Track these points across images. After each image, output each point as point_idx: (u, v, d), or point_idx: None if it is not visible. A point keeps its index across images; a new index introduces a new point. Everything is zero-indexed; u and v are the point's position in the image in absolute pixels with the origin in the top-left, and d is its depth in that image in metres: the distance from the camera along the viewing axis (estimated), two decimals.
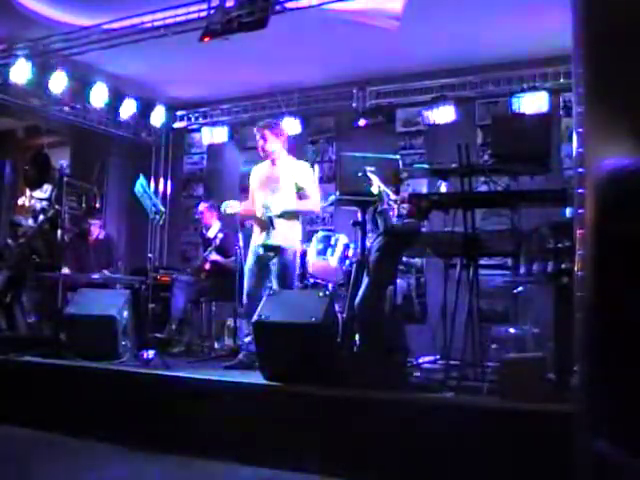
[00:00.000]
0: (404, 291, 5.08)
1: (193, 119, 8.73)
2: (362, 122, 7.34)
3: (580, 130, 2.90)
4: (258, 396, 4.09)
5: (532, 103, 6.54)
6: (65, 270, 6.19)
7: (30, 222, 6.64)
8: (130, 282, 6.71)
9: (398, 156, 5.31)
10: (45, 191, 6.64)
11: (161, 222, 5.99)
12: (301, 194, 5.10)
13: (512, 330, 5.14)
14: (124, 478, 3.76)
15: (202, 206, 7.03)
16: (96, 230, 7.22)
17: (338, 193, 5.01)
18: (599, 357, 2.63)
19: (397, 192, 4.76)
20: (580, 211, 2.84)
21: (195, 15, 5.61)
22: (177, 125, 8.86)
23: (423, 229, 4.62)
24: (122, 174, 8.67)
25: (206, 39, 5.42)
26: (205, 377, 4.39)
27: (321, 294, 4.43)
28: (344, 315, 4.57)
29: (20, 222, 6.78)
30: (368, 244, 4.57)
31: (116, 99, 7.90)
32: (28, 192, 6.92)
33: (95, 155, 8.57)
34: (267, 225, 5.03)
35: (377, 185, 4.50)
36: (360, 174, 4.59)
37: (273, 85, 7.68)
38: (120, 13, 5.92)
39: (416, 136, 7.39)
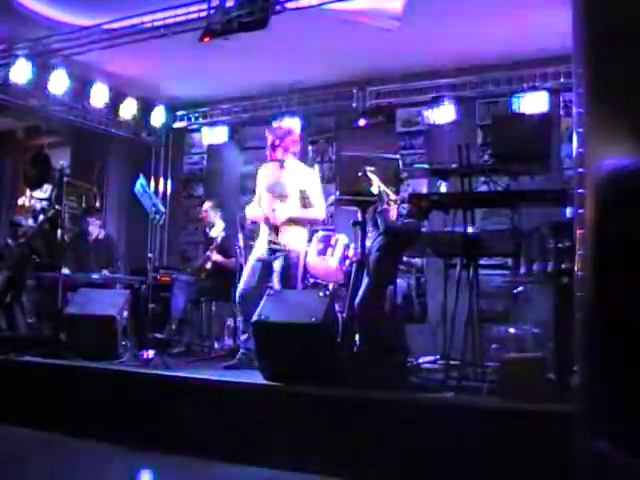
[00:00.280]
0: (404, 291, 5.07)
1: (193, 119, 8.72)
2: (362, 122, 7.33)
3: (580, 130, 2.90)
4: (258, 396, 4.09)
5: (532, 103, 6.53)
6: (65, 270, 6.19)
7: (30, 222, 6.64)
8: (130, 282, 6.70)
9: (398, 156, 5.30)
10: (45, 191, 6.65)
11: (161, 222, 6.00)
12: (306, 202, 5.12)
13: (512, 330, 5.14)
14: (124, 478, 3.76)
15: (206, 205, 7.02)
16: (96, 230, 7.22)
17: (338, 193, 5.02)
18: (599, 357, 2.63)
19: (397, 192, 4.76)
20: (580, 211, 2.85)
21: (195, 15, 5.60)
22: (177, 125, 8.84)
23: (423, 229, 4.62)
24: (122, 174, 8.66)
25: (206, 39, 5.42)
26: (205, 377, 4.40)
27: (321, 294, 4.44)
28: (344, 315, 4.57)
29: (20, 222, 6.78)
30: (368, 244, 4.57)
31: (116, 99, 7.90)
32: (28, 192, 6.93)
33: (95, 155, 8.56)
34: (272, 229, 5.08)
35: (377, 185, 4.50)
36: (360, 174, 4.59)
37: (273, 85, 7.68)
38: (120, 13, 5.91)
39: (416, 136, 7.39)
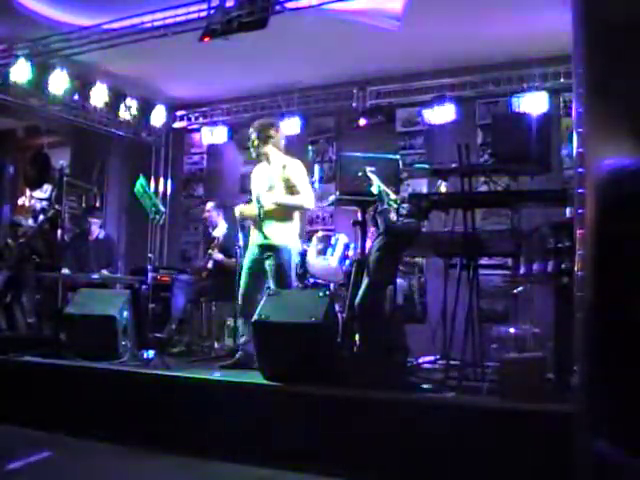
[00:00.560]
0: (405, 291, 5.07)
1: (193, 119, 8.73)
2: (362, 122, 7.33)
3: (580, 130, 2.90)
4: (258, 396, 4.09)
5: (532, 103, 6.54)
6: (65, 270, 6.19)
7: (30, 222, 6.65)
8: (130, 282, 6.70)
9: (398, 156, 5.29)
10: (45, 191, 6.65)
11: (161, 222, 6.00)
12: (292, 190, 5.09)
13: (512, 330, 5.13)
14: (124, 478, 3.76)
15: (209, 205, 7.01)
16: (96, 230, 7.22)
17: (338, 193, 5.00)
18: (599, 357, 2.63)
19: (397, 192, 4.76)
20: (580, 211, 2.85)
21: (195, 15, 5.60)
22: (177, 125, 8.85)
23: (423, 229, 4.62)
24: (122, 174, 8.66)
25: (206, 39, 5.42)
26: (205, 377, 4.39)
27: (321, 294, 4.43)
28: (344, 315, 4.57)
29: (20, 222, 6.79)
30: (368, 244, 4.57)
31: (116, 99, 7.90)
32: (28, 192, 6.93)
33: (95, 155, 8.56)
34: (258, 219, 5.05)
35: (377, 185, 4.50)
36: (360, 174, 4.58)
37: (273, 85, 7.68)
38: (120, 13, 5.91)
39: (416, 136, 7.39)
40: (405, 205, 4.45)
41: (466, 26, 5.95)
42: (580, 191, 2.85)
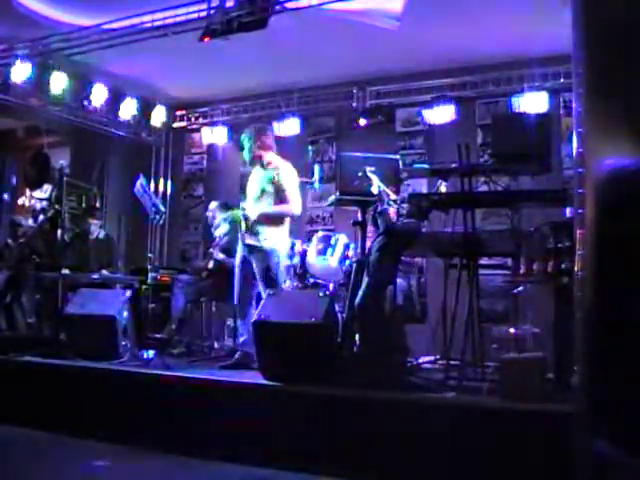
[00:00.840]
0: (404, 291, 5.07)
1: (193, 119, 8.73)
2: (362, 122, 7.33)
3: (580, 130, 2.90)
4: (258, 396, 4.09)
5: (532, 103, 6.54)
6: (65, 270, 6.18)
7: (30, 222, 6.64)
8: (130, 282, 6.70)
9: (398, 156, 5.29)
10: (45, 191, 6.63)
11: (161, 222, 5.99)
12: (281, 196, 5.12)
13: (512, 330, 5.13)
14: (124, 478, 3.76)
15: (212, 205, 7.01)
16: (96, 230, 7.22)
17: (338, 193, 5.01)
18: (599, 357, 2.63)
19: (397, 192, 4.76)
20: (580, 211, 2.84)
21: (195, 15, 5.60)
22: (177, 125, 8.85)
23: (423, 229, 4.62)
24: (122, 174, 8.66)
25: (206, 39, 5.42)
26: (205, 377, 4.39)
27: (321, 294, 4.44)
28: (344, 315, 4.57)
29: (20, 222, 6.78)
30: (368, 244, 4.57)
31: (116, 99, 7.90)
32: (28, 192, 6.92)
33: (95, 155, 8.56)
34: (246, 226, 5.14)
35: (377, 185, 4.50)
36: (360, 174, 4.58)
37: (273, 85, 7.68)
38: (120, 13, 5.92)
39: (416, 136, 7.39)
40: (405, 205, 4.45)
41: (466, 26, 5.95)
42: (580, 191, 2.85)
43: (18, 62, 6.62)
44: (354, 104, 7.53)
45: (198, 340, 6.69)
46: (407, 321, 4.96)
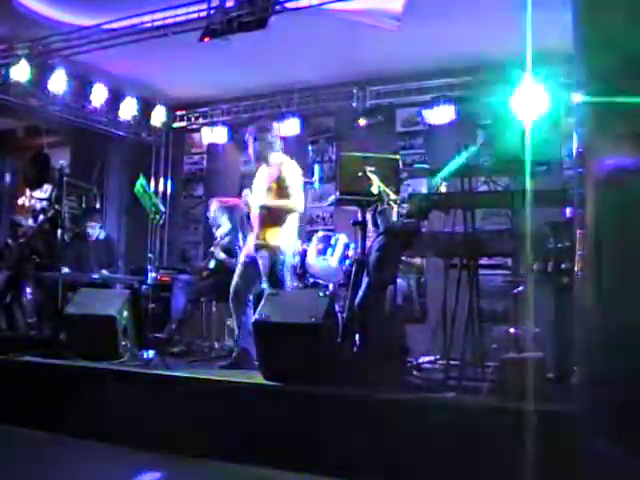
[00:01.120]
0: (404, 291, 5.07)
1: (193, 119, 8.73)
2: (362, 122, 7.33)
3: (580, 130, 2.90)
4: (258, 396, 4.09)
5: (532, 103, 6.53)
6: (65, 270, 6.18)
7: (30, 222, 6.64)
8: (130, 282, 6.70)
9: (398, 156, 5.29)
10: (45, 191, 6.63)
11: (161, 222, 5.99)
12: (283, 192, 5.12)
13: (512, 330, 5.13)
14: (124, 478, 3.76)
15: (214, 205, 7.00)
16: (96, 230, 7.21)
17: (338, 193, 5.01)
18: (599, 357, 2.63)
19: (397, 192, 4.76)
20: (580, 211, 2.84)
21: (195, 15, 5.60)
22: (177, 125, 8.85)
23: (423, 229, 4.62)
24: (122, 174, 8.67)
25: (206, 39, 5.42)
26: (205, 377, 4.39)
27: (321, 294, 4.43)
28: (344, 315, 4.57)
29: (20, 222, 6.78)
30: (368, 244, 4.57)
31: (116, 99, 7.90)
32: (28, 192, 6.92)
33: (95, 155, 8.56)
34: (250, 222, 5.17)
35: (377, 185, 4.50)
36: (360, 174, 4.58)
37: (273, 85, 7.68)
38: (120, 13, 5.92)
39: (416, 136, 7.39)
40: (405, 205, 4.45)
41: (466, 26, 5.94)
42: (580, 191, 2.85)
43: (18, 62, 6.62)
44: (354, 104, 7.53)
45: (198, 340, 6.70)
46: (407, 321, 4.96)
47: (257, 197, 5.19)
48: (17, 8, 6.00)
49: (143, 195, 5.63)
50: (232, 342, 6.41)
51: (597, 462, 2.56)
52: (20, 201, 7.02)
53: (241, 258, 5.28)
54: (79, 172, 7.90)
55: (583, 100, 2.89)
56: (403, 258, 4.95)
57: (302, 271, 5.54)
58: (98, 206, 7.48)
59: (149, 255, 6.35)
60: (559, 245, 3.88)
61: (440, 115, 7.01)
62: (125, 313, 5.32)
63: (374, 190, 4.48)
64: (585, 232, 2.80)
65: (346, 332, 4.42)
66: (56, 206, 6.00)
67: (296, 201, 5.12)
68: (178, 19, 5.71)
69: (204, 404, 4.15)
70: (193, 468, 3.86)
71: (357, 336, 4.39)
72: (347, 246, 5.45)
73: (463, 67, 6.94)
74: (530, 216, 4.48)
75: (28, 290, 6.62)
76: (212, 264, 6.57)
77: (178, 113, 8.77)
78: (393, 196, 4.53)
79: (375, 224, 4.55)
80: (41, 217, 6.47)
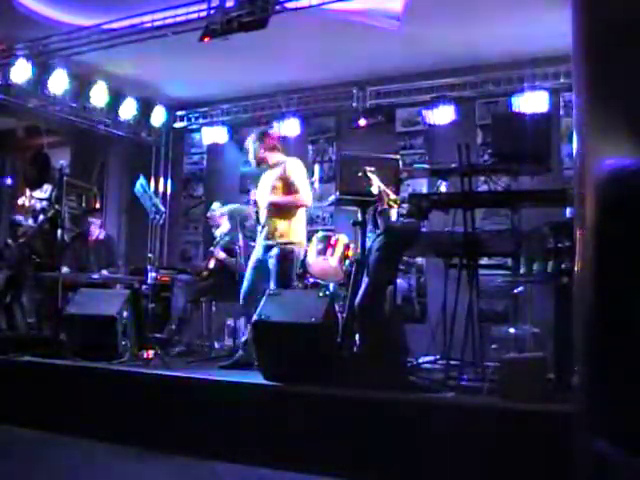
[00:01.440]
0: (404, 291, 5.07)
1: (193, 119, 8.73)
2: (362, 122, 7.34)
3: (580, 130, 2.90)
4: (258, 396, 4.09)
5: (532, 103, 6.54)
6: (65, 270, 6.18)
7: (30, 222, 6.64)
8: (130, 282, 6.70)
9: (398, 156, 5.29)
10: (45, 191, 6.64)
11: (161, 222, 6.00)
12: (290, 189, 5.14)
13: (512, 330, 5.14)
14: (124, 478, 3.76)
15: (214, 205, 7.00)
16: (96, 230, 7.22)
17: (338, 193, 5.01)
18: (599, 357, 2.63)
19: (397, 192, 4.76)
20: (580, 211, 2.84)
21: (195, 15, 5.61)
22: (177, 125, 8.85)
23: (423, 229, 4.62)
24: (122, 174, 8.67)
25: (206, 39, 5.42)
26: (205, 377, 4.40)
27: (321, 294, 4.44)
28: (344, 315, 4.57)
29: (20, 222, 6.78)
30: (368, 244, 4.57)
31: (116, 99, 7.90)
32: (28, 192, 6.92)
33: (95, 155, 8.57)
34: (259, 221, 5.21)
35: (377, 185, 4.50)
36: (360, 174, 4.59)
37: (273, 85, 7.68)
38: (120, 13, 5.92)
39: (416, 136, 7.39)
40: (405, 205, 4.46)
41: (466, 26, 5.95)
42: (580, 191, 2.85)
43: (18, 62, 6.62)
44: (354, 104, 7.53)
45: (198, 340, 6.70)
46: (407, 321, 4.97)
47: (264, 197, 5.21)
48: (17, 8, 6.00)
49: (143, 195, 5.64)
50: (232, 342, 6.41)
51: (597, 462, 2.56)
52: (20, 201, 7.03)
53: (251, 263, 5.30)
54: (79, 172, 7.90)
55: (582, 100, 2.89)
56: (403, 258, 4.95)
57: (302, 271, 5.54)
58: (98, 206, 7.49)
59: (149, 255, 6.35)
60: (559, 245, 3.88)
61: (440, 115, 7.02)
62: (125, 313, 5.32)
63: (374, 190, 4.48)
64: (585, 232, 2.79)
65: (346, 332, 4.43)
66: (56, 206, 6.01)
67: (304, 195, 5.15)
68: (178, 19, 5.72)
69: (204, 404, 4.15)
70: (193, 468, 3.86)
71: (357, 336, 4.39)
72: (347, 246, 5.45)
73: (463, 67, 6.94)
74: (530, 216, 4.50)
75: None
76: (212, 264, 6.57)
77: (178, 113, 8.77)
78: (393, 196, 4.53)
79: (375, 224, 4.55)
80: (41, 217, 6.47)
